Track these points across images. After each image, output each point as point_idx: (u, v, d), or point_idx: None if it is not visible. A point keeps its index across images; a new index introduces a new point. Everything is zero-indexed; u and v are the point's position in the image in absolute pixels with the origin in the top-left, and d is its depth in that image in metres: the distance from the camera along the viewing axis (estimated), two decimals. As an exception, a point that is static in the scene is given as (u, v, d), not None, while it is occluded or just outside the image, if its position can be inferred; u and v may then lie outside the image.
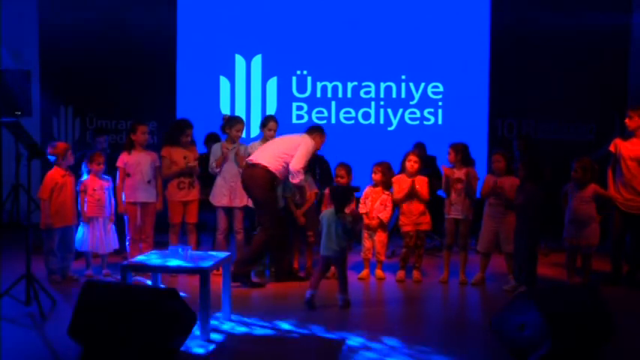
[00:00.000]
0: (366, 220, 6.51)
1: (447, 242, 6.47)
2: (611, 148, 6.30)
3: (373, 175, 6.48)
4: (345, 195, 5.61)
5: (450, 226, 6.42)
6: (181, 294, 4.25)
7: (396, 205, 6.55)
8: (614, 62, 9.36)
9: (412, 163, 6.47)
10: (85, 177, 6.40)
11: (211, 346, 4.41)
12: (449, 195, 6.39)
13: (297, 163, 6.08)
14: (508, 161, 6.30)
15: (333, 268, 6.57)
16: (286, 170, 6.13)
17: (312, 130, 6.51)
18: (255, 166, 6.12)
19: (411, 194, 6.41)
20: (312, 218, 6.61)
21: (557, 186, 6.43)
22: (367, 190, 6.57)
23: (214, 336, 4.58)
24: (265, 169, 6.09)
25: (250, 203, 6.62)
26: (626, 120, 6.17)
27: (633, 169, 6.13)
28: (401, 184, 6.48)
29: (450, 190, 6.35)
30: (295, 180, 6.14)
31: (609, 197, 6.14)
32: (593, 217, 6.01)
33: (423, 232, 6.52)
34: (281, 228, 6.25)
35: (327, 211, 5.59)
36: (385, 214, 6.45)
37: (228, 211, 6.58)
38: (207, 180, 6.74)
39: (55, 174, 6.15)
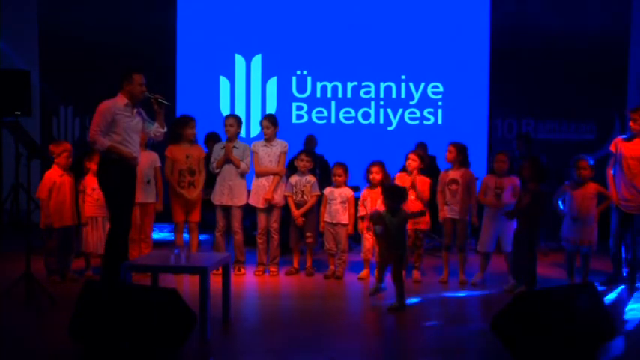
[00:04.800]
0: (367, 222, 6.51)
1: (446, 242, 6.47)
2: (612, 148, 6.30)
3: (370, 176, 6.47)
4: (400, 193, 5.57)
5: (447, 227, 6.42)
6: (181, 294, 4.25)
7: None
8: (614, 62, 9.36)
9: (410, 161, 6.47)
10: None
11: (211, 346, 4.41)
12: (443, 195, 6.40)
13: (90, 130, 5.43)
14: (511, 162, 6.30)
15: (332, 267, 6.61)
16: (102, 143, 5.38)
17: (120, 83, 5.61)
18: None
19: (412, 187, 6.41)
20: (312, 220, 6.64)
21: (557, 186, 6.43)
22: (365, 192, 6.56)
23: (214, 336, 4.58)
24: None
25: (251, 202, 6.63)
26: (630, 123, 6.15)
27: (634, 168, 6.13)
28: (402, 181, 6.49)
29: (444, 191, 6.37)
30: (93, 146, 5.48)
31: (609, 195, 6.15)
32: (594, 216, 6.03)
33: (422, 231, 6.52)
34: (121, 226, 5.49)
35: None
36: None
37: (227, 210, 6.59)
38: (208, 180, 6.75)
39: (53, 174, 6.15)
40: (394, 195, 5.50)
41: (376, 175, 6.44)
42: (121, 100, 5.50)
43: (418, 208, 6.42)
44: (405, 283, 5.47)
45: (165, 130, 5.85)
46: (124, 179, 5.50)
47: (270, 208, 6.61)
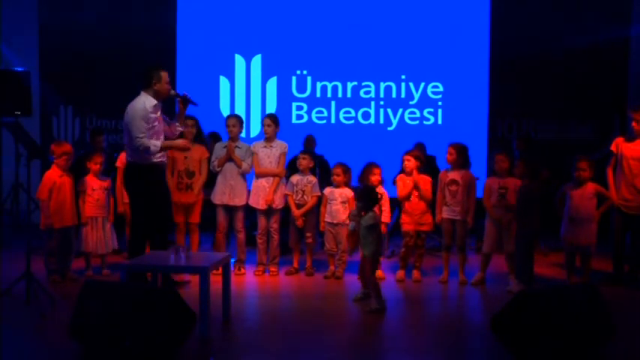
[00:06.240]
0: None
1: (445, 242, 6.46)
2: (613, 148, 6.29)
3: (373, 177, 6.45)
4: (370, 194, 5.56)
5: (446, 227, 6.41)
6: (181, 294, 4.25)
7: (397, 204, 6.55)
8: (614, 62, 9.36)
9: (406, 162, 6.46)
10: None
11: (211, 346, 4.41)
12: (442, 195, 6.40)
13: (131, 137, 5.36)
14: (511, 161, 6.30)
15: (332, 268, 6.61)
16: (137, 152, 5.41)
17: (147, 80, 5.48)
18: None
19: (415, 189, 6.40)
20: (312, 220, 6.64)
21: (557, 186, 6.43)
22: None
23: (214, 336, 4.58)
24: (130, 163, 5.58)
25: (251, 203, 6.63)
26: (633, 124, 6.14)
27: (635, 168, 6.13)
28: (403, 183, 6.48)
29: (443, 193, 6.37)
30: (152, 156, 5.41)
31: (609, 195, 6.15)
32: (593, 216, 6.03)
33: (424, 232, 6.52)
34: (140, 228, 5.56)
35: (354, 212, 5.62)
36: (385, 216, 6.46)
37: (228, 209, 6.58)
38: (209, 179, 6.73)
39: (53, 174, 6.14)
40: (363, 196, 5.52)
41: (372, 176, 6.41)
42: (149, 101, 5.44)
43: (421, 207, 6.42)
44: (378, 283, 5.48)
45: (183, 128, 5.87)
46: (156, 181, 5.53)
47: (270, 209, 6.60)
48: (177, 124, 5.78)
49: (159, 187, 5.64)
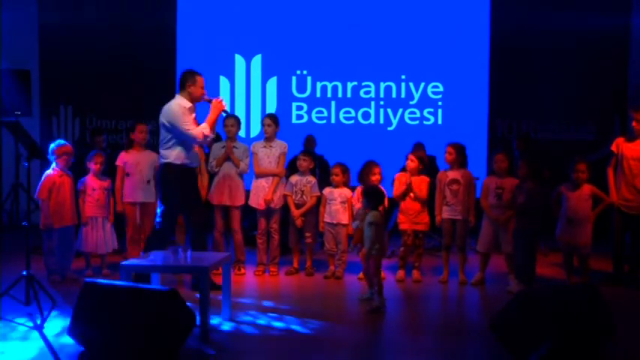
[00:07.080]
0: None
1: (445, 242, 6.46)
2: (613, 148, 6.29)
3: (373, 177, 6.44)
4: (377, 194, 5.57)
5: (446, 227, 6.40)
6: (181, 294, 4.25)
7: (396, 203, 6.55)
8: (614, 62, 9.37)
9: (409, 162, 6.47)
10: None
11: (211, 346, 4.41)
12: (442, 195, 6.39)
13: (180, 133, 5.48)
14: (510, 161, 6.30)
15: (332, 268, 6.61)
16: (182, 151, 5.53)
17: (182, 83, 5.73)
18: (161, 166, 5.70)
19: (408, 191, 6.39)
20: (311, 220, 6.63)
21: (556, 186, 6.43)
22: (359, 190, 6.52)
23: (214, 336, 4.58)
24: (163, 165, 5.62)
25: (251, 203, 6.63)
26: (634, 123, 6.13)
27: (635, 168, 6.13)
28: (402, 181, 6.48)
29: (443, 193, 6.37)
30: (203, 141, 5.65)
31: (604, 197, 6.15)
32: (589, 216, 6.04)
33: (421, 232, 6.51)
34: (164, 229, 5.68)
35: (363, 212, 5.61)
36: None
37: (226, 209, 6.58)
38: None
39: (53, 174, 6.14)
40: (369, 195, 5.53)
41: (373, 177, 6.39)
42: (184, 102, 5.56)
43: (416, 207, 6.42)
44: (381, 281, 5.45)
45: (214, 135, 5.93)
46: (188, 182, 5.64)
47: (269, 209, 6.60)
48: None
49: (191, 188, 5.74)
